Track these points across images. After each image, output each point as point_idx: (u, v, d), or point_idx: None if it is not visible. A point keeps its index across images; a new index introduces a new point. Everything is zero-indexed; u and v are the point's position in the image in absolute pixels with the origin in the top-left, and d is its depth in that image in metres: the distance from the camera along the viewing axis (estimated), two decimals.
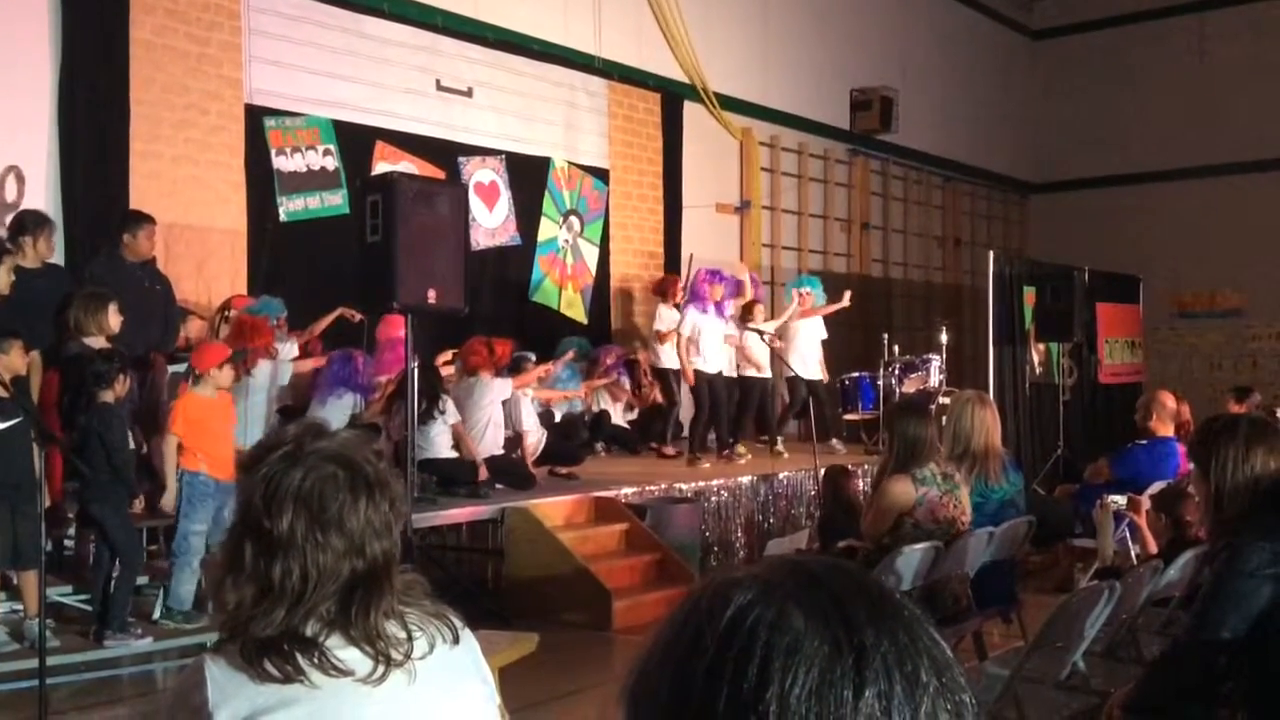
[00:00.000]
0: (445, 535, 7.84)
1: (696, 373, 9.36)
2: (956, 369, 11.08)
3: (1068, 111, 17.36)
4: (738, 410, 10.03)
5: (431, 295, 6.90)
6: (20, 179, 7.41)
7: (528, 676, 4.09)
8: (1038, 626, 4.02)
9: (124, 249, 6.71)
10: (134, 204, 7.53)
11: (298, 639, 1.53)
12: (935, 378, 10.36)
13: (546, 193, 11.02)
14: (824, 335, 10.43)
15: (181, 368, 7.24)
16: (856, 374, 10.78)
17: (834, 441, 10.19)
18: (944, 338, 10.74)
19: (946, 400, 7.69)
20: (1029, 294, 11.00)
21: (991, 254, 10.93)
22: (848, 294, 10.28)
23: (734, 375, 9.84)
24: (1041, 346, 11.14)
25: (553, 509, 7.32)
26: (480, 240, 10.16)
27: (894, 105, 14.32)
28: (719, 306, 9.55)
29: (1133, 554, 6.04)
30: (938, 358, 10.51)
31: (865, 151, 14.71)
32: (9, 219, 7.26)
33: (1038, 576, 7.46)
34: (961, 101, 16.08)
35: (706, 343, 9.36)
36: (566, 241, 11.22)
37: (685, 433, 9.90)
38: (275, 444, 1.61)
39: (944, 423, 5.25)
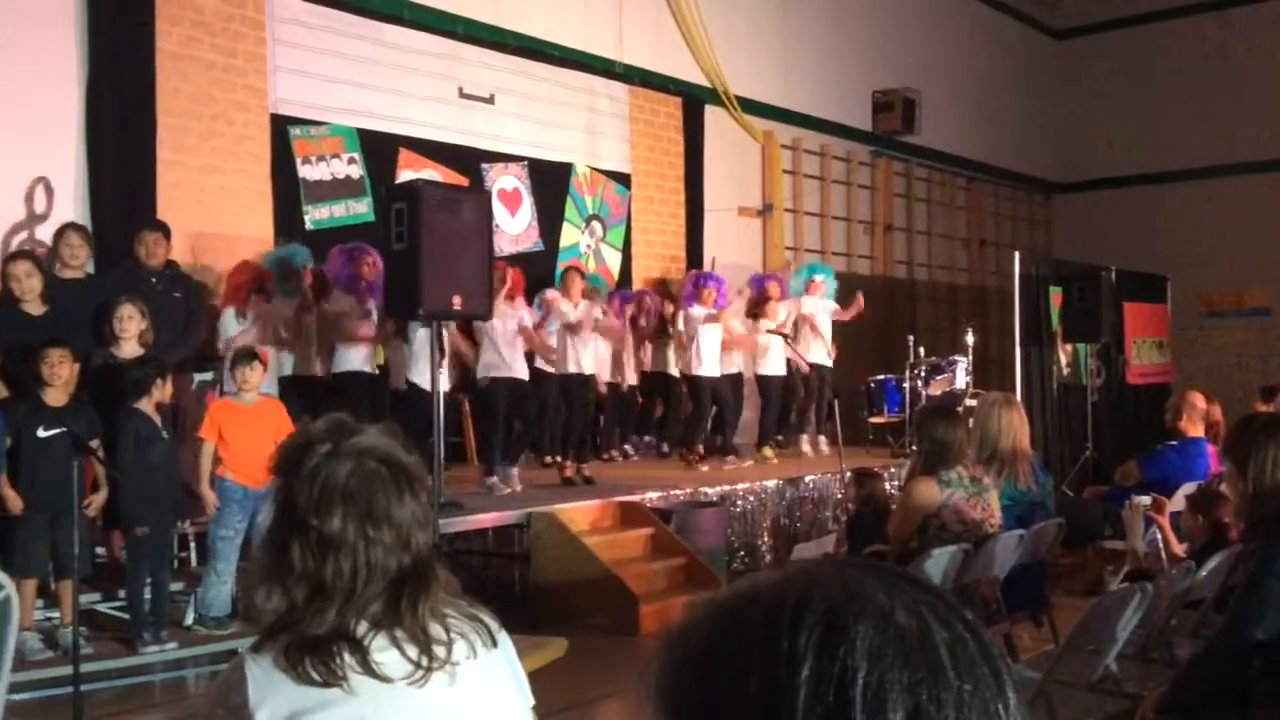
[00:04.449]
0: (471, 540, 7.86)
1: (697, 377, 9.38)
2: (983, 371, 11.01)
3: (1092, 111, 17.25)
4: (761, 413, 10.02)
5: (456, 301, 6.94)
6: (49, 190, 7.49)
7: (556, 681, 4.10)
8: (1068, 629, 3.99)
9: (141, 257, 6.78)
10: (161, 213, 7.58)
11: (347, 638, 1.53)
12: (961, 380, 10.31)
13: (568, 198, 11.04)
14: (835, 311, 10.44)
15: (209, 375, 7.31)
16: (881, 377, 10.74)
17: (820, 437, 10.17)
18: (970, 339, 10.69)
19: (974, 402, 7.65)
20: (1055, 294, 10.94)
21: (1017, 254, 10.88)
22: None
23: (749, 375, 9.85)
24: (1069, 347, 11.08)
25: (578, 513, 7.32)
26: (503, 246, 10.18)
27: (916, 106, 14.28)
28: (718, 305, 9.57)
29: (1163, 555, 5.99)
30: (964, 360, 10.46)
31: (888, 153, 14.66)
32: (40, 229, 7.36)
33: (1067, 579, 7.40)
34: (985, 102, 16.01)
35: (705, 346, 9.34)
36: (589, 247, 11.23)
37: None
38: (308, 443, 1.60)
39: (971, 425, 5.22)
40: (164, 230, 6.91)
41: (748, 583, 0.75)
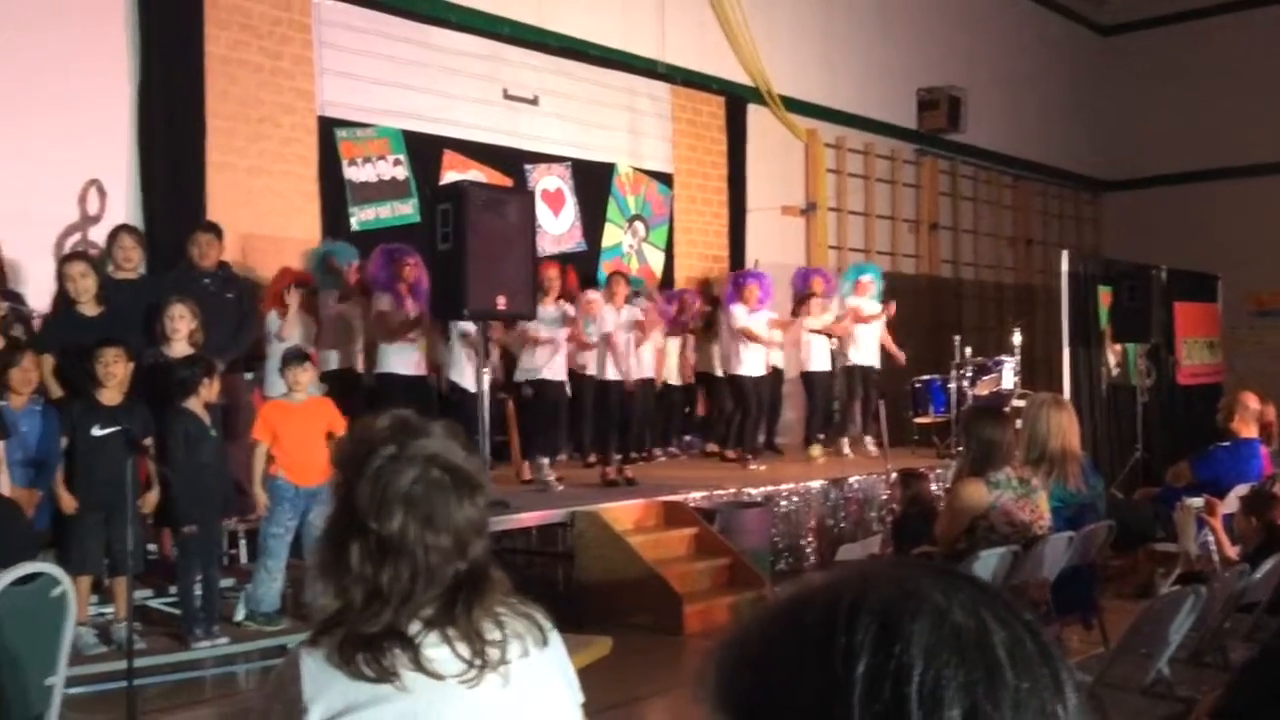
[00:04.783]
0: (515, 539, 7.90)
1: (739, 376, 9.36)
2: (1030, 371, 10.89)
3: (1141, 107, 17.02)
4: (806, 413, 9.99)
5: (500, 302, 6.98)
6: (102, 192, 7.62)
7: (600, 680, 4.10)
8: (1119, 632, 3.95)
9: (194, 258, 6.88)
10: (210, 215, 7.69)
11: (398, 636, 1.53)
12: (1009, 380, 10.21)
13: (611, 198, 11.07)
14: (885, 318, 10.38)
15: (249, 375, 7.40)
16: (927, 377, 10.66)
17: (868, 438, 10.11)
18: (1017, 339, 10.58)
19: (1021, 403, 7.58)
20: (1104, 294, 10.79)
21: (1065, 253, 10.74)
22: (892, 305, 10.22)
23: (791, 374, 9.83)
24: (1118, 347, 10.93)
25: (622, 513, 7.33)
26: (546, 247, 10.21)
27: (962, 104, 14.16)
28: (761, 305, 9.57)
29: (1215, 558, 5.90)
30: (1011, 360, 10.35)
31: (933, 151, 14.55)
32: (93, 231, 7.49)
33: (1117, 581, 7.31)
34: (1031, 99, 15.85)
35: (747, 344, 9.34)
36: (631, 246, 11.25)
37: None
38: (372, 443, 1.59)
39: (1019, 426, 5.17)
40: (216, 231, 7.00)
41: (805, 582, 0.76)
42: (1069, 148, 16.72)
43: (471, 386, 7.59)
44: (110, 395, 5.64)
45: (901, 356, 10.31)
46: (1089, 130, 17.12)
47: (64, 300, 6.32)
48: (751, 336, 9.37)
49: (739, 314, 9.42)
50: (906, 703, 0.66)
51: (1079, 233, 17.18)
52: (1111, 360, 10.87)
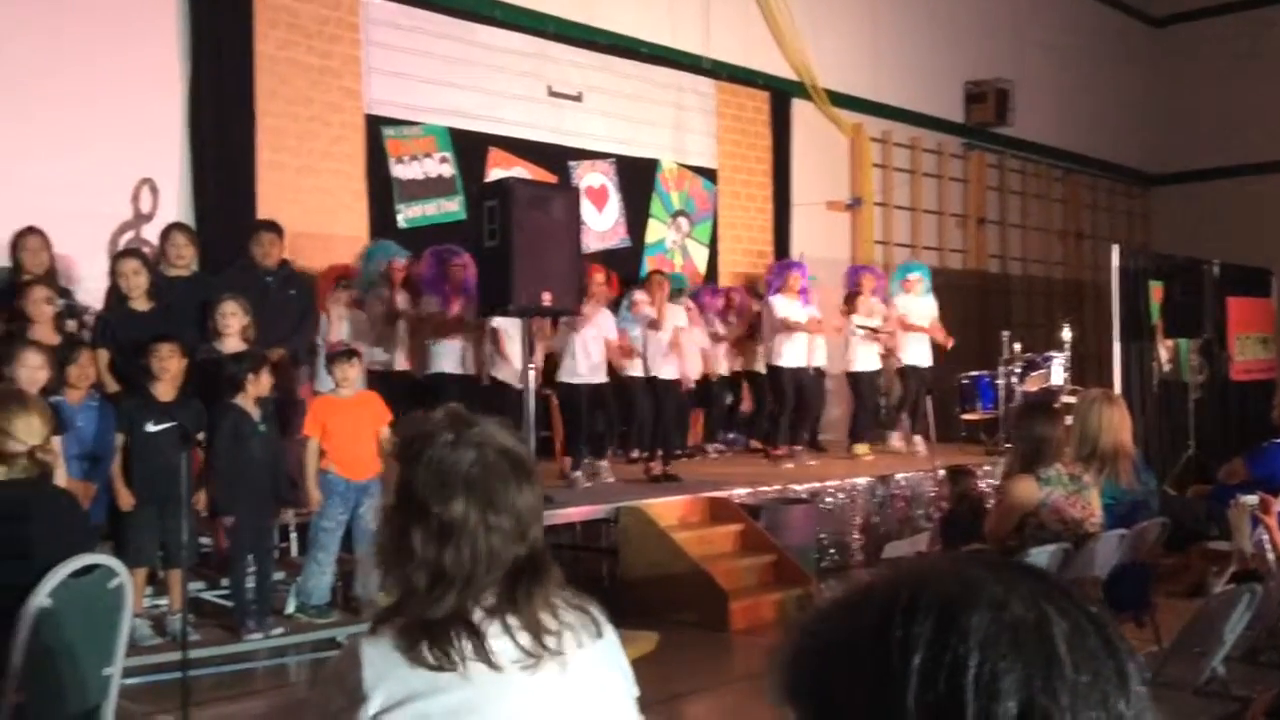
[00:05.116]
0: (559, 534, 7.93)
1: (779, 368, 9.32)
2: (1079, 367, 10.76)
3: (1192, 100, 16.73)
4: (854, 410, 9.94)
5: (546, 298, 7.00)
6: (154, 190, 7.73)
7: (646, 675, 4.10)
8: (1171, 631, 3.89)
9: (256, 257, 6.98)
10: (261, 213, 7.80)
11: (464, 623, 1.55)
12: (1058, 376, 10.09)
13: (654, 194, 11.07)
14: (934, 313, 10.28)
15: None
16: (975, 373, 10.56)
17: (917, 436, 10.03)
18: (1066, 335, 10.46)
19: (1071, 399, 7.49)
20: (1155, 289, 10.64)
21: (1115, 248, 10.60)
22: (950, 342, 10.13)
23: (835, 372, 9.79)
24: (1170, 343, 10.77)
25: (666, 509, 7.33)
26: (590, 243, 10.24)
27: (1010, 97, 14.00)
28: (803, 297, 9.51)
29: (1270, 556, 5.79)
30: (1060, 355, 10.24)
31: (981, 145, 14.40)
32: (146, 229, 7.61)
33: (1169, 580, 7.20)
34: (1080, 92, 15.63)
35: (788, 337, 9.32)
36: (675, 242, 11.24)
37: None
38: (429, 432, 1.62)
39: (1070, 422, 5.11)
40: (278, 230, 7.11)
41: (867, 577, 0.77)
42: (1119, 140, 16.48)
43: (516, 383, 7.63)
44: (164, 390, 5.73)
45: (949, 342, 10.20)
46: (1140, 123, 16.86)
47: (116, 297, 6.43)
48: (792, 326, 9.34)
49: (780, 304, 9.41)
50: (962, 694, 0.67)
51: (1129, 227, 16.93)
52: (1163, 356, 10.72)
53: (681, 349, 8.80)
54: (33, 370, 5.23)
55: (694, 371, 9.20)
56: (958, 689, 0.67)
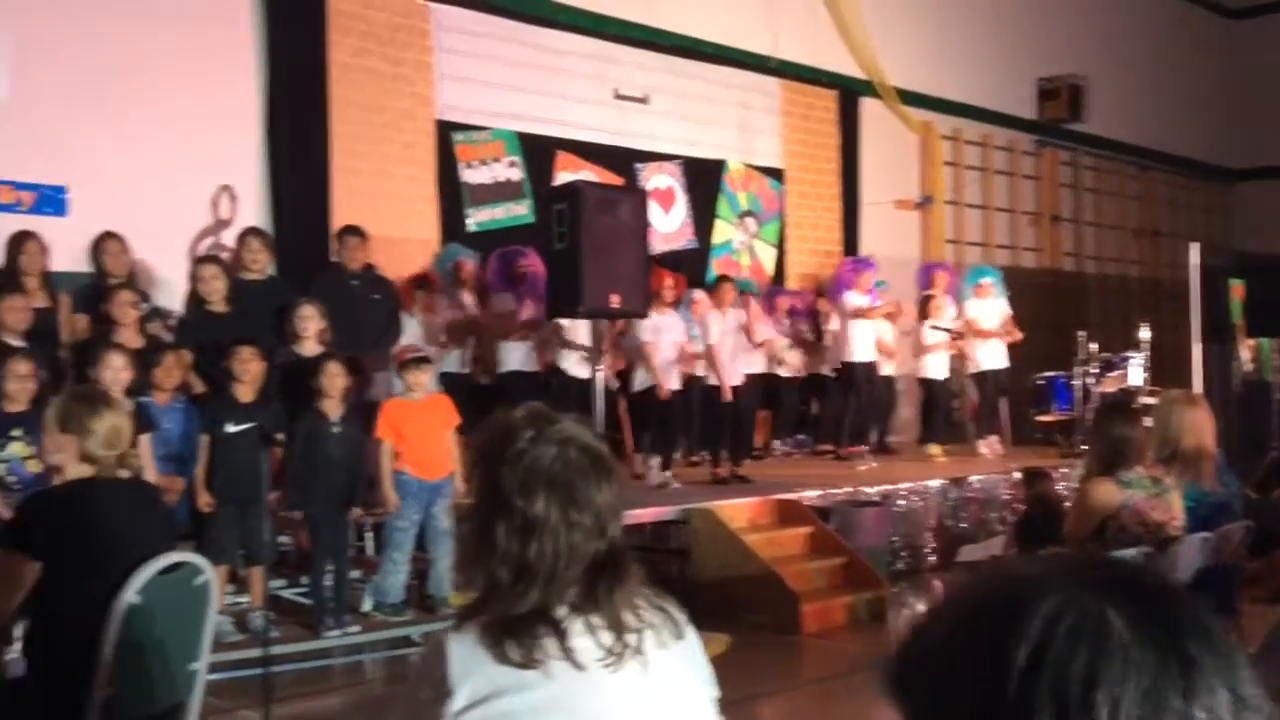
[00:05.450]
0: (629, 535, 7.94)
1: (850, 363, 9.29)
2: (1158, 367, 10.53)
3: (1272, 93, 16.28)
4: (924, 410, 9.85)
5: (614, 300, 7.02)
6: (233, 197, 7.90)
7: (717, 677, 4.11)
8: (1256, 637, 3.79)
9: (343, 261, 7.11)
10: (335, 218, 7.94)
11: (548, 619, 1.57)
12: (1136, 376, 9.89)
13: (721, 195, 11.05)
14: (1007, 312, 10.14)
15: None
16: (1050, 374, 10.39)
17: (993, 438, 9.88)
18: (1144, 334, 10.24)
19: (1151, 400, 7.34)
20: (1236, 287, 10.39)
21: (1194, 246, 10.36)
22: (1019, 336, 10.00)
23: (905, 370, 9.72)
24: (1252, 342, 10.51)
25: (736, 511, 7.31)
26: (657, 245, 10.24)
27: (1083, 93, 13.76)
28: (871, 295, 9.51)
29: None
30: (1138, 355, 10.03)
31: (1053, 142, 14.17)
32: (225, 235, 7.78)
33: (1252, 585, 7.02)
34: (1155, 87, 15.29)
35: (858, 333, 9.28)
36: (742, 243, 11.22)
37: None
38: (512, 429, 1.64)
39: (1150, 423, 5.00)
40: (362, 234, 7.24)
41: (981, 579, 0.76)
42: (1196, 136, 16.10)
43: (580, 373, 7.69)
44: (245, 392, 5.86)
45: (1019, 335, 10.05)
46: (1217, 118, 16.45)
47: (195, 300, 6.58)
48: (865, 314, 9.32)
49: (852, 298, 9.37)
50: (1093, 710, 0.66)
51: (1209, 224, 16.52)
52: (1245, 356, 10.46)
53: (741, 350, 8.78)
54: (116, 372, 5.38)
55: (755, 367, 9.18)
56: (1082, 704, 0.67)
